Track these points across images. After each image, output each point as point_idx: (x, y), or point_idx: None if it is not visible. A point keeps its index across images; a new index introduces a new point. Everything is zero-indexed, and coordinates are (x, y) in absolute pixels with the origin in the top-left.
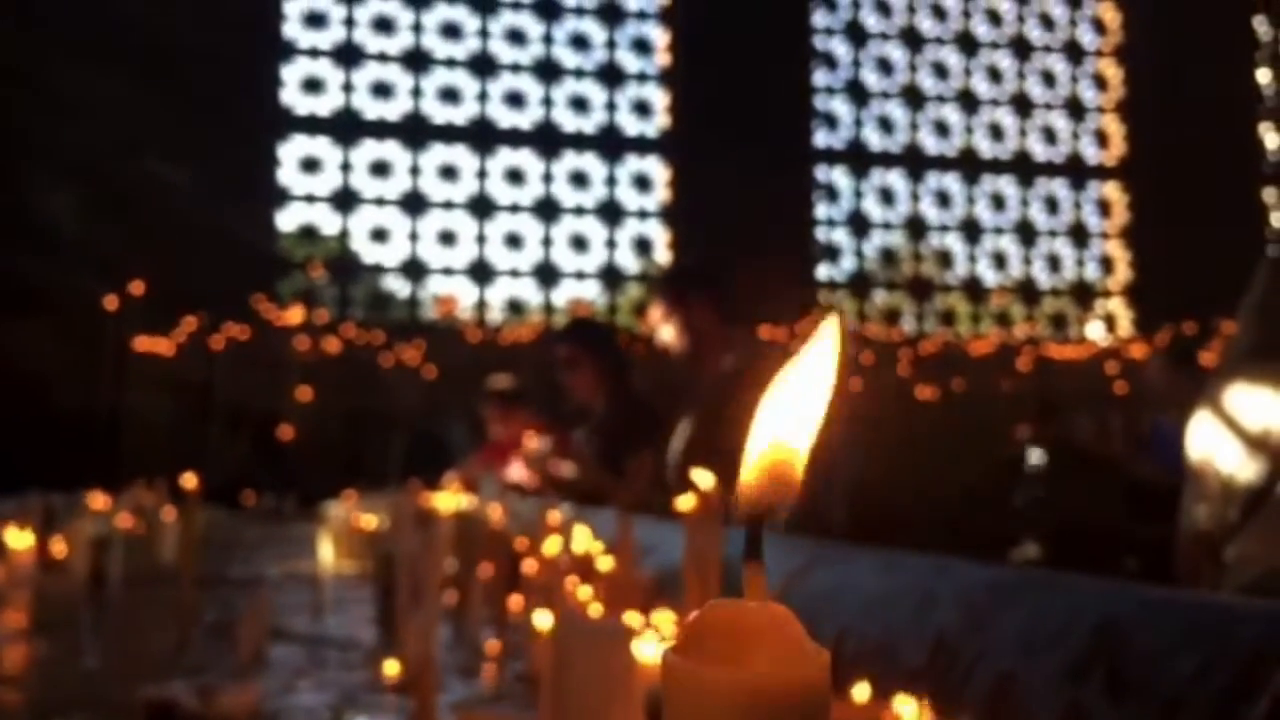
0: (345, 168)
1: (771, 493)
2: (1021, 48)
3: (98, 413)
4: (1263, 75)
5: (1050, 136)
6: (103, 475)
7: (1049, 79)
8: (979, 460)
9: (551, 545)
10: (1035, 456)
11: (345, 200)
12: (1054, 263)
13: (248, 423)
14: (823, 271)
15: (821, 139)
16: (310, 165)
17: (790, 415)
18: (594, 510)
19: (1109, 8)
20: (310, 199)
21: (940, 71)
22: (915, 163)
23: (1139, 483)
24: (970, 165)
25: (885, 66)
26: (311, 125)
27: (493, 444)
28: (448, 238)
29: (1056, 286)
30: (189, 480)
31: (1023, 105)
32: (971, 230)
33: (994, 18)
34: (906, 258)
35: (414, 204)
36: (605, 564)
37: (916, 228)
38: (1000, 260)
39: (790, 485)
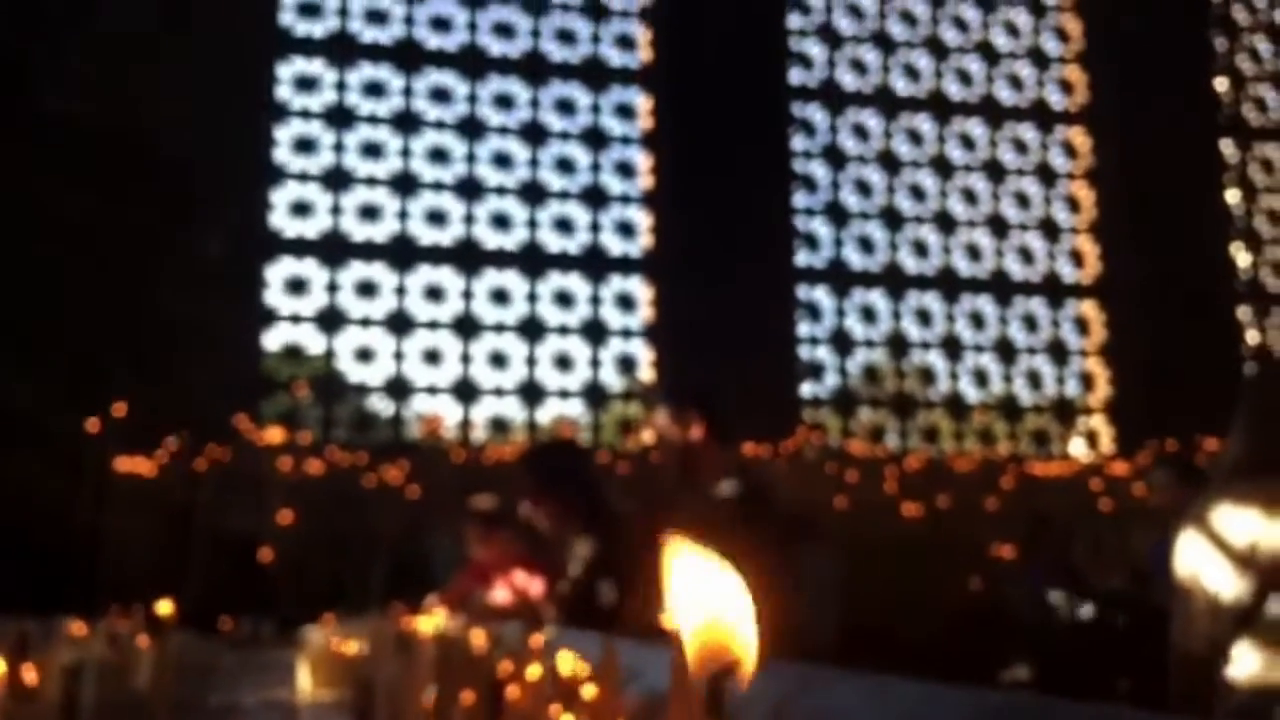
0: (332, 288)
1: (720, 664)
2: (995, 171)
3: (77, 535)
4: (1232, 196)
5: (1027, 256)
6: (80, 598)
7: (1023, 201)
8: (966, 578)
9: (535, 670)
10: (1055, 599)
11: (331, 320)
12: (1034, 380)
13: (228, 545)
14: (807, 389)
15: (803, 259)
16: (297, 286)
17: (708, 594)
18: (578, 633)
19: (1078, 132)
20: (296, 319)
21: (917, 193)
22: (895, 282)
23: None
24: (949, 284)
25: (864, 188)
26: (299, 247)
27: (474, 565)
28: (433, 357)
29: (1038, 403)
30: (164, 607)
31: (999, 226)
32: (952, 348)
33: (967, 142)
34: (889, 375)
35: (399, 324)
36: (589, 690)
37: (898, 345)
38: (981, 377)
39: (736, 656)
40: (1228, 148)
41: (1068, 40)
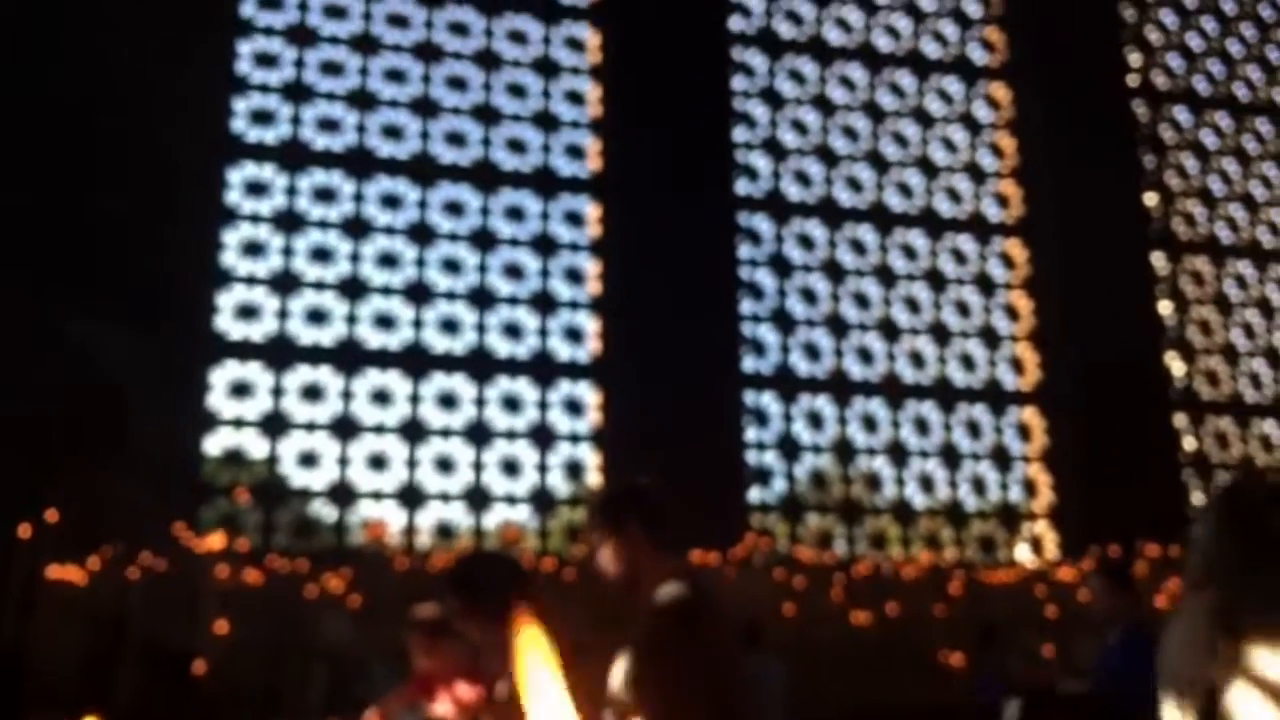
0: (276, 392)
1: None
2: (936, 280)
3: (2, 644)
4: (1164, 307)
5: (968, 363)
6: (4, 710)
7: (964, 309)
8: (915, 685)
9: None
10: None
11: (275, 424)
12: (979, 486)
13: (160, 656)
14: (754, 494)
15: (750, 365)
16: (241, 390)
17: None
18: None
19: (1015, 243)
20: (239, 423)
21: (862, 301)
22: (841, 388)
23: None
24: (894, 391)
25: (809, 296)
26: (244, 350)
27: (418, 677)
28: (378, 462)
29: (983, 509)
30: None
31: (941, 334)
32: (898, 454)
33: (909, 252)
34: (836, 480)
35: (345, 428)
36: None
37: (844, 451)
38: (927, 483)
39: None
40: (1159, 260)
41: (1003, 156)
